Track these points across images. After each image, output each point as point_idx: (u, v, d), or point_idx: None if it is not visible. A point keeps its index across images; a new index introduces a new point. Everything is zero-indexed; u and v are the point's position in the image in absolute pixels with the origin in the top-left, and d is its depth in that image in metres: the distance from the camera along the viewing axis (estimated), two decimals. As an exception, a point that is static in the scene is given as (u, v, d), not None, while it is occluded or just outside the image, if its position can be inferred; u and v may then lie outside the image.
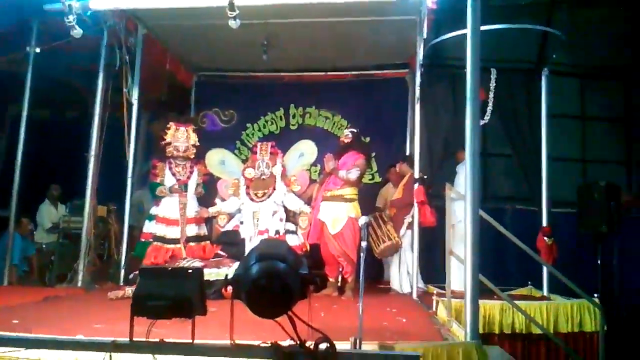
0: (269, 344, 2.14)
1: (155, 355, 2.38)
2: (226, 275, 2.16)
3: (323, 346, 2.09)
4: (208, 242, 6.04)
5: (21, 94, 6.09)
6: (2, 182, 7.67)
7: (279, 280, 1.99)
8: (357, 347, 2.59)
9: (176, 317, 2.21)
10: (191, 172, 6.06)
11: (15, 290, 5.74)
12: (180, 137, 5.98)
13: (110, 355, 2.39)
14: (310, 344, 2.10)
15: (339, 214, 5.65)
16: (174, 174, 5.99)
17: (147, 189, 6.50)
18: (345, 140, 5.97)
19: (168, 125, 6.02)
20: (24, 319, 3.74)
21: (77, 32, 4.97)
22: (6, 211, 6.26)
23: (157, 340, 2.26)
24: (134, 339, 2.26)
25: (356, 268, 5.50)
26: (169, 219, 5.88)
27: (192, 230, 5.95)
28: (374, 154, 7.67)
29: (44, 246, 7.18)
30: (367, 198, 6.45)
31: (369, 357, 2.43)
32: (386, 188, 7.00)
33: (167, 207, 5.91)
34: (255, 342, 2.19)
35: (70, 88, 7.21)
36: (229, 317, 2.19)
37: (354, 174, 5.71)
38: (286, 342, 2.15)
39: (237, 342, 2.21)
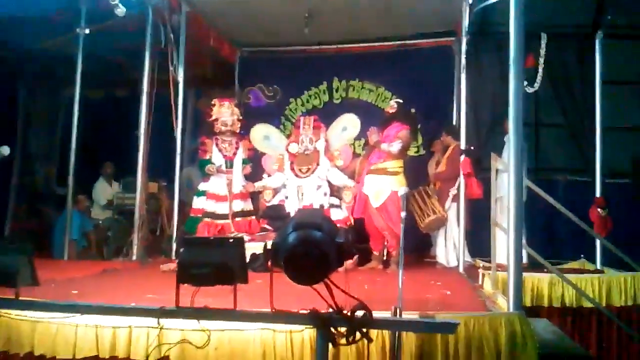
0: (307, 311, 2.18)
1: (201, 321, 2.49)
2: (265, 244, 2.20)
3: (360, 313, 2.12)
4: (254, 217, 6.16)
5: (73, 75, 6.32)
6: (60, 161, 8.09)
7: (315, 248, 2.02)
8: (398, 315, 2.60)
9: (218, 284, 2.28)
10: (237, 148, 6.16)
11: (75, 264, 6.05)
12: (225, 112, 6.08)
13: (158, 320, 2.51)
14: (347, 311, 2.13)
15: (382, 187, 5.61)
16: (220, 150, 6.10)
17: (196, 165, 6.65)
18: (390, 111, 5.89)
19: (212, 102, 6.13)
20: (83, 289, 3.95)
21: (121, 10, 5.09)
22: (64, 189, 6.59)
23: (201, 307, 2.35)
24: (180, 306, 2.35)
25: (397, 241, 5.47)
26: (218, 195, 6.02)
27: (238, 205, 6.07)
28: (419, 125, 7.56)
29: (100, 222, 7.49)
30: (413, 171, 6.37)
31: (407, 324, 2.44)
32: (433, 160, 6.90)
33: (216, 183, 6.05)
34: (294, 310, 2.24)
35: (119, 68, 7.44)
36: (275, 288, 2.24)
37: (395, 147, 5.63)
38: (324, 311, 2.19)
39: (277, 309, 2.27)
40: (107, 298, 3.63)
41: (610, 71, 6.60)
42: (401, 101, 5.98)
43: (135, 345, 2.96)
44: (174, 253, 6.15)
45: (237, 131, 6.17)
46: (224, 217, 5.96)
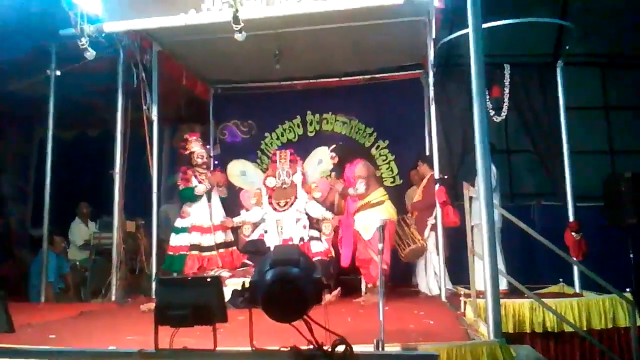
0: (288, 349, 2.17)
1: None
2: (243, 283, 2.20)
3: (341, 348, 2.12)
4: (235, 247, 6.18)
5: (45, 116, 6.30)
6: (34, 202, 7.96)
7: (292, 285, 2.04)
8: (380, 348, 2.60)
9: (197, 324, 2.27)
10: (222, 182, 6.26)
11: (52, 307, 5.90)
12: (198, 144, 6.26)
13: (136, 364, 2.46)
14: (328, 347, 2.13)
15: (371, 220, 5.54)
16: (200, 182, 6.13)
17: (176, 201, 6.66)
18: (335, 162, 5.96)
19: (185, 137, 6.27)
20: (60, 333, 3.87)
21: (90, 54, 5.13)
22: (39, 231, 6.48)
23: (181, 348, 2.33)
24: (159, 348, 2.32)
25: (386, 270, 5.45)
26: (202, 226, 6.02)
27: (220, 237, 6.09)
28: (393, 157, 7.68)
29: (77, 263, 7.37)
30: (391, 201, 6.43)
31: (387, 357, 2.44)
32: (411, 190, 6.99)
33: (198, 214, 6.05)
34: (275, 348, 2.23)
35: (92, 108, 7.43)
36: (257, 325, 2.24)
37: (360, 187, 5.64)
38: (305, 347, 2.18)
39: (258, 347, 2.26)
40: (85, 341, 3.57)
41: (576, 97, 6.83)
42: (333, 147, 6.04)
43: (114, 390, 2.89)
44: (153, 292, 6.05)
45: (210, 165, 6.27)
46: (210, 249, 5.98)
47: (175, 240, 6.07)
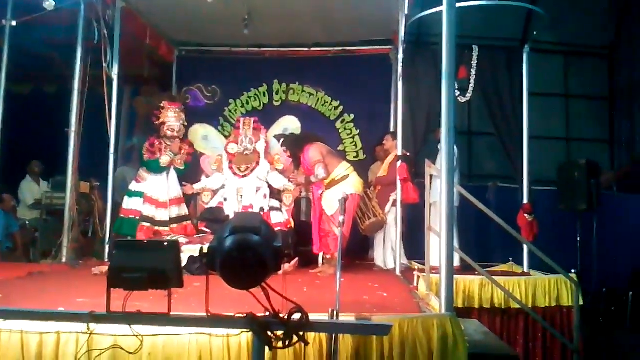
0: (244, 315, 2.17)
1: (134, 326, 2.42)
2: (201, 248, 2.17)
3: (297, 316, 2.13)
4: (190, 222, 6.09)
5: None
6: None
7: (251, 252, 2.01)
8: (334, 318, 2.63)
9: (152, 288, 2.22)
10: (180, 152, 6.08)
11: (1, 266, 5.73)
12: (172, 116, 6.04)
13: (88, 326, 2.42)
14: (284, 314, 2.13)
15: (335, 195, 5.50)
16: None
17: (134, 164, 6.48)
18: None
19: (162, 105, 6.02)
20: (7, 293, 3.75)
21: (49, 4, 4.88)
22: (-13, 188, 6.24)
23: (134, 311, 2.29)
24: (111, 311, 2.28)
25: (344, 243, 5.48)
26: (159, 200, 5.91)
27: (174, 211, 6.01)
28: (358, 131, 7.69)
29: (27, 222, 7.14)
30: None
31: (342, 326, 2.48)
32: (375, 165, 7.03)
33: (155, 187, 5.93)
34: (231, 314, 2.22)
35: (49, 62, 7.12)
36: (213, 291, 2.21)
37: (319, 172, 5.59)
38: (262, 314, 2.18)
39: (213, 313, 2.24)
40: (33, 302, 3.48)
41: (538, 83, 6.97)
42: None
43: (63, 352, 2.83)
44: (106, 256, 5.95)
45: (181, 137, 6.11)
46: (163, 224, 5.90)
47: (127, 203, 5.95)
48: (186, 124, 6.18)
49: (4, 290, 3.84)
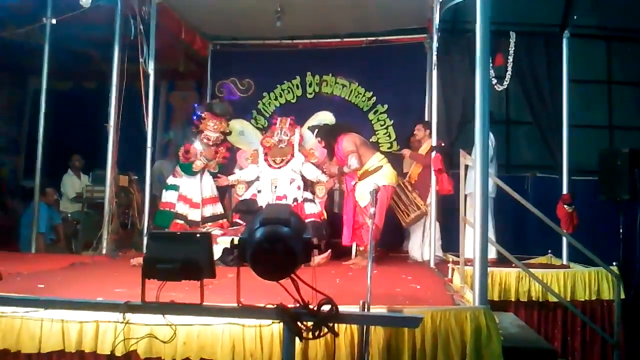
0: (274, 306, 2.19)
1: (167, 316, 2.47)
2: (232, 240, 2.19)
3: (326, 308, 2.13)
4: (225, 219, 6.17)
5: (40, 66, 6.18)
6: (27, 153, 7.91)
7: (281, 244, 2.03)
8: (365, 310, 2.62)
9: (185, 279, 2.27)
10: (215, 156, 6.17)
11: (43, 258, 5.92)
12: (212, 127, 6.07)
13: (123, 315, 2.48)
14: (314, 306, 2.14)
15: (368, 187, 5.50)
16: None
17: (171, 162, 6.59)
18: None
19: (204, 116, 6.08)
20: (50, 283, 3.89)
21: (86, 2, 4.98)
22: (31, 182, 6.46)
23: (167, 302, 2.34)
24: (146, 300, 2.33)
25: (377, 234, 5.45)
26: (192, 200, 6.02)
27: (208, 210, 6.11)
28: (392, 122, 7.61)
29: (69, 215, 7.37)
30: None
31: (371, 318, 2.47)
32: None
33: (189, 187, 6.03)
34: (261, 304, 2.24)
35: (88, 59, 7.30)
36: (245, 283, 2.24)
37: (353, 162, 5.57)
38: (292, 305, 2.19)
39: (244, 304, 2.27)
40: (74, 292, 3.59)
41: (580, 70, 6.74)
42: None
43: (101, 340, 2.93)
44: (144, 247, 6.08)
45: (219, 143, 6.17)
46: (195, 223, 6.00)
47: (165, 196, 6.06)
48: (227, 131, 6.20)
49: (46, 280, 3.99)
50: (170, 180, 6.11)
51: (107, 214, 5.97)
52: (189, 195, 6.02)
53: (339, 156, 5.75)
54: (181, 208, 5.97)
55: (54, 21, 6.00)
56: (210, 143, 6.08)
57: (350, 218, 5.71)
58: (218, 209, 6.22)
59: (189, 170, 6.02)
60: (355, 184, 5.69)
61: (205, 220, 6.05)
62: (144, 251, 5.89)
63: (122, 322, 2.64)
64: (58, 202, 7.47)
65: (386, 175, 5.60)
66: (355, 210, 5.67)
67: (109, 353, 2.87)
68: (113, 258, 5.76)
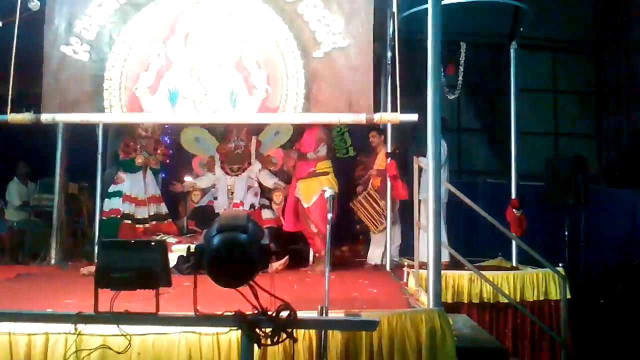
0: (232, 313, 2.18)
1: (122, 326, 2.42)
2: (188, 247, 2.18)
3: (285, 314, 2.14)
4: (170, 220, 6.09)
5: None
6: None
7: (239, 250, 2.03)
8: (324, 314, 2.64)
9: (140, 288, 2.24)
10: (155, 152, 6.10)
11: (-12, 268, 5.68)
12: None
13: (75, 326, 2.42)
14: (272, 312, 2.15)
15: (312, 188, 5.63)
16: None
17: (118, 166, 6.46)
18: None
19: None
20: (-5, 295, 3.74)
21: (35, 4, 4.84)
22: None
23: (122, 311, 2.29)
24: (99, 311, 2.28)
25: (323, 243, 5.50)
26: (137, 198, 5.93)
27: (152, 209, 6.04)
28: (347, 128, 7.69)
29: (15, 224, 7.09)
30: (343, 173, 6.46)
31: (329, 323, 2.49)
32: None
33: (133, 186, 5.94)
34: (219, 312, 2.23)
35: (35, 64, 7.03)
36: (202, 290, 2.22)
37: (322, 150, 5.66)
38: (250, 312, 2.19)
39: (201, 312, 2.25)
40: (21, 303, 3.47)
41: (527, 79, 7.01)
42: None
43: (51, 352, 2.83)
44: (96, 256, 5.91)
45: (157, 137, 6.13)
46: (144, 221, 5.90)
47: (107, 204, 5.96)
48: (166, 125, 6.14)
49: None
50: (112, 188, 6.01)
51: (56, 222, 5.79)
52: (134, 194, 5.96)
53: (306, 141, 5.76)
54: (127, 208, 5.90)
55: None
56: (146, 133, 6.04)
57: (291, 205, 5.75)
58: (162, 208, 6.18)
59: (131, 166, 5.96)
60: (299, 177, 5.71)
61: (150, 218, 5.98)
62: (95, 260, 5.75)
63: (74, 334, 2.56)
64: (3, 211, 7.17)
65: (330, 183, 5.64)
66: (297, 208, 5.69)
67: (61, 366, 2.78)
68: (62, 268, 5.57)
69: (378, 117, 4.70)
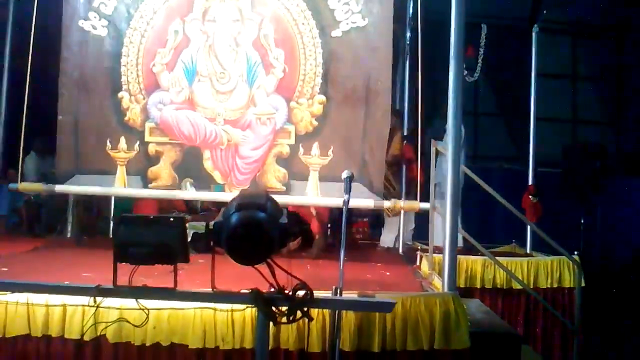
0: (249, 291, 2.19)
1: (139, 300, 2.45)
2: (207, 224, 2.18)
3: (301, 293, 2.15)
4: None
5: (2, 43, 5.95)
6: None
7: (257, 228, 2.03)
8: (337, 295, 2.65)
9: (158, 263, 2.25)
10: None
11: (5, 240, 5.76)
12: None
13: (94, 299, 2.45)
14: (289, 290, 2.15)
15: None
16: None
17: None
18: None
19: None
20: (13, 267, 3.80)
21: None
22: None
23: (140, 285, 2.31)
24: (118, 284, 2.30)
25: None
26: None
27: None
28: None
29: (32, 198, 7.14)
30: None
31: (346, 303, 2.50)
32: None
33: None
34: (236, 289, 2.24)
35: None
36: (219, 267, 2.23)
37: None
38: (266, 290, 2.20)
39: (218, 289, 2.26)
40: (39, 275, 3.52)
41: (546, 64, 6.88)
42: None
43: (69, 324, 2.89)
44: (111, 232, 5.97)
45: None
46: None
47: None
48: None
49: (10, 264, 3.89)
50: None
51: (72, 196, 5.83)
52: None
53: None
54: None
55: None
56: None
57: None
58: None
59: None
60: None
61: None
62: (111, 236, 5.82)
63: (92, 306, 2.60)
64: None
65: None
66: None
67: (78, 338, 2.83)
68: (78, 242, 5.64)
69: (391, 203, 4.75)
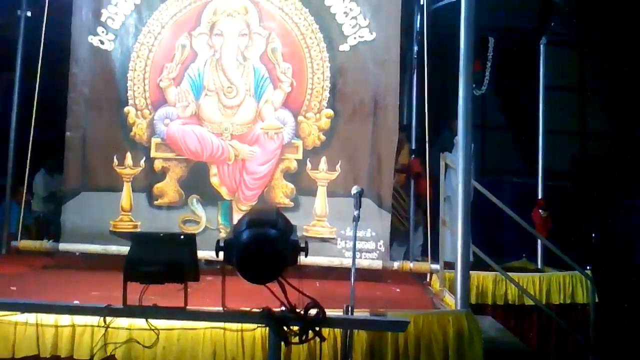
0: (260, 310, 2.15)
1: (149, 320, 2.41)
2: (217, 241, 2.15)
3: (313, 312, 2.11)
4: None
5: (13, 61, 5.98)
6: None
7: (268, 246, 1.99)
8: (349, 313, 2.61)
9: (168, 282, 2.21)
10: None
11: (14, 259, 5.75)
12: None
13: (104, 319, 2.41)
14: (300, 309, 2.11)
15: None
16: None
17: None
18: None
19: None
20: (23, 286, 3.78)
21: None
22: (2, 180, 6.25)
23: (150, 305, 2.28)
24: (128, 304, 2.27)
25: None
26: None
27: None
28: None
29: (41, 215, 7.17)
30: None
31: (358, 322, 2.46)
32: None
33: None
34: (246, 308, 2.21)
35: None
36: (226, 285, 2.20)
37: None
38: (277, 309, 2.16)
39: (229, 307, 2.23)
40: (48, 295, 3.49)
41: (552, 77, 6.86)
42: None
43: (78, 344, 2.86)
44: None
45: None
46: None
47: None
48: None
49: (19, 281, 3.87)
50: None
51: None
52: None
53: None
54: None
55: (28, 13, 5.80)
56: None
57: None
58: None
59: None
60: None
61: None
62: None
63: (102, 327, 2.56)
64: (29, 202, 7.25)
65: None
66: None
67: (88, 358, 2.79)
68: (87, 259, 5.61)
69: (398, 266, 4.73)
